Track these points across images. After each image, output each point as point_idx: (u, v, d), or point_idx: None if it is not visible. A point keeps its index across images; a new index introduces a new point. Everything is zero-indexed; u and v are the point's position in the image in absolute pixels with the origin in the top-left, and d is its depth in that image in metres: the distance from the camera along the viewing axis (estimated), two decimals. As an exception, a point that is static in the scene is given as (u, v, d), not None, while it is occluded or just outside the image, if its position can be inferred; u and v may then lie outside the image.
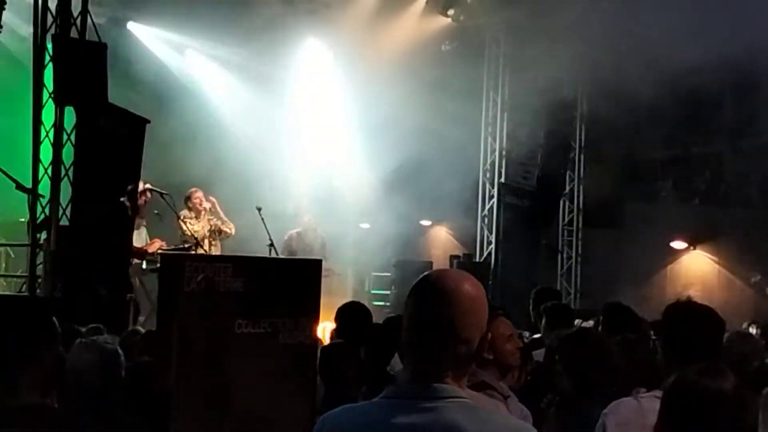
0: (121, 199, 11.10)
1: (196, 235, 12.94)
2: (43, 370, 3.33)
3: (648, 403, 3.70)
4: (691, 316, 3.97)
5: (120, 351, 4.75)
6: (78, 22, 10.97)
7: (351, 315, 6.50)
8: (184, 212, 13.33)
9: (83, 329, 6.73)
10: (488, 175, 18.78)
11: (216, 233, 13.45)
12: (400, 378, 2.49)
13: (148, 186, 12.20)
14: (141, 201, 11.80)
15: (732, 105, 16.83)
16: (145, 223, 13.21)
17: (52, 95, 10.69)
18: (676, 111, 15.67)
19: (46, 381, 3.34)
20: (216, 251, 13.21)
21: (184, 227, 13.01)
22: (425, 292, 2.46)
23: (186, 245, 12.69)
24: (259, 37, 15.70)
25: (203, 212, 13.42)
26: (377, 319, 8.02)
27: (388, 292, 17.35)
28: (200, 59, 17.01)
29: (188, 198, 13.44)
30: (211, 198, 13.58)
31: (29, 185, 10.64)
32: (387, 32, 16.85)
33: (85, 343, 4.71)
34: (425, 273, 2.55)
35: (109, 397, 4.40)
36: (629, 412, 3.72)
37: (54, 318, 3.69)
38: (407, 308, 2.49)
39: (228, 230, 13.50)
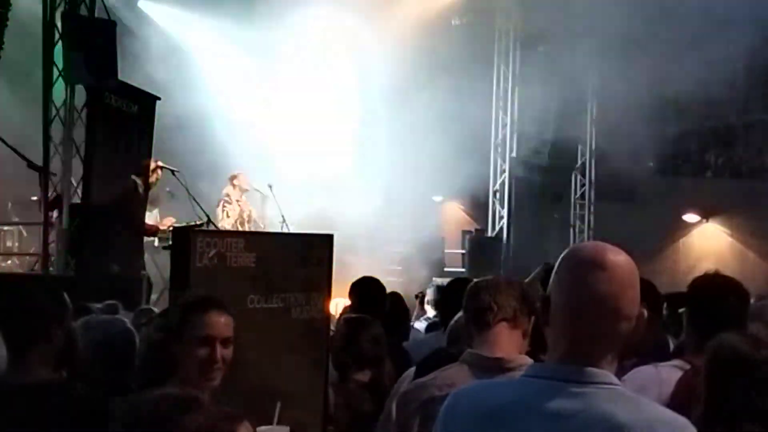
0: (132, 176, 11.09)
1: (225, 226, 12.64)
2: (53, 347, 3.35)
3: (667, 373, 3.73)
4: (718, 288, 4.01)
5: (132, 328, 4.75)
6: (87, -1, 10.98)
7: (366, 289, 6.46)
8: (228, 189, 13.09)
9: (98, 305, 6.74)
10: (499, 149, 18.74)
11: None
12: (548, 358, 2.31)
13: (159, 163, 12.10)
14: (152, 178, 11.71)
15: (743, 79, 16.73)
16: (158, 204, 13.14)
17: (62, 73, 10.69)
18: (690, 85, 15.54)
19: (56, 357, 3.35)
20: None
21: (220, 214, 12.83)
22: (582, 266, 2.27)
23: (199, 222, 12.58)
24: (269, 12, 15.59)
25: (244, 195, 13.14)
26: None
27: (400, 268, 17.34)
28: (211, 36, 16.85)
29: (234, 177, 13.16)
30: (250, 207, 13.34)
31: (40, 164, 10.68)
32: (396, 7, 16.75)
33: (87, 321, 4.69)
34: (574, 247, 2.37)
35: (116, 374, 4.39)
36: (646, 380, 3.74)
37: (65, 294, 3.69)
38: (558, 284, 2.30)
39: None
